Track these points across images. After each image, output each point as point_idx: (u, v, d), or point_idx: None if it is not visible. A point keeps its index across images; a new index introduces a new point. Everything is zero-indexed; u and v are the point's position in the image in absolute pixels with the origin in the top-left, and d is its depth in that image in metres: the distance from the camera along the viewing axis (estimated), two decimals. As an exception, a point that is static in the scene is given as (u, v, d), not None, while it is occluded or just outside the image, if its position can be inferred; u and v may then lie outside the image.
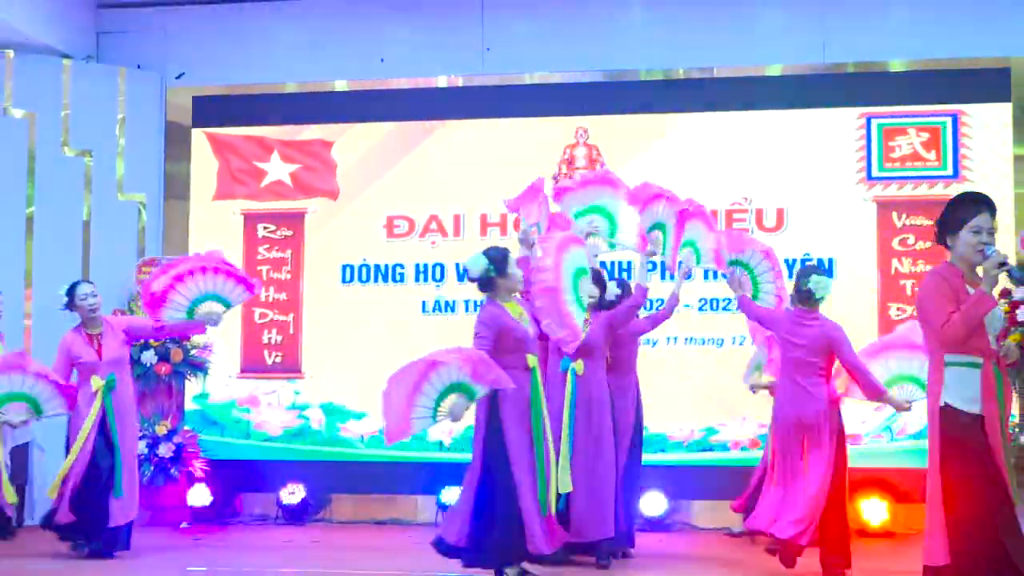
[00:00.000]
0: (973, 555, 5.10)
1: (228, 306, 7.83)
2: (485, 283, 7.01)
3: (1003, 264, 5.20)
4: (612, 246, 8.04)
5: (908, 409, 7.49)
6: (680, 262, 7.88)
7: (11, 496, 8.47)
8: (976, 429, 5.21)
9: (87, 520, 7.76)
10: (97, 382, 7.76)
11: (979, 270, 5.23)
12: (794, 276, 7.62)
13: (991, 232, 5.27)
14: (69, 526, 7.81)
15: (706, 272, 9.31)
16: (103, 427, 7.79)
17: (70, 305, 8.07)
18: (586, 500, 7.32)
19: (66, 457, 7.86)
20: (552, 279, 6.88)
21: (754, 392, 8.47)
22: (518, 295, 7.08)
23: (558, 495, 7.01)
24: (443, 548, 6.76)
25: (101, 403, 7.74)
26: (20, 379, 7.79)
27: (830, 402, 7.21)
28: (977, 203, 5.37)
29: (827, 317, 7.39)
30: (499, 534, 6.58)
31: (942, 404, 5.22)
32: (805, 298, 7.32)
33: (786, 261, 9.69)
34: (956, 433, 5.21)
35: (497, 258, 6.97)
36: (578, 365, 7.47)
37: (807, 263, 8.22)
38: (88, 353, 7.82)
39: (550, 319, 6.85)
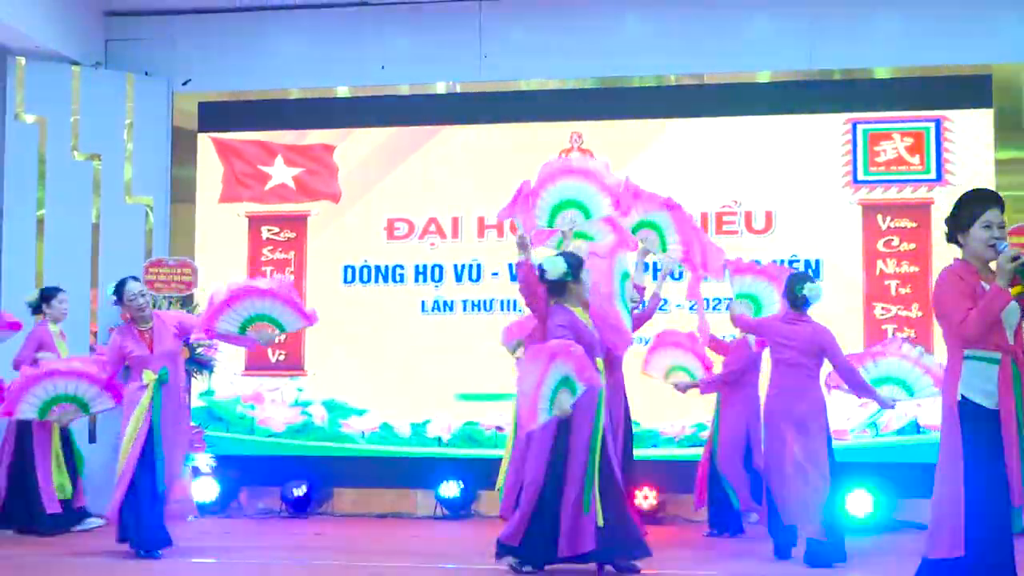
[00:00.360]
0: (985, 549, 5.09)
1: (283, 330, 7.67)
2: (558, 287, 6.97)
3: (1016, 258, 5.17)
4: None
5: (892, 407, 7.57)
6: (645, 250, 7.88)
7: (64, 492, 8.57)
8: (993, 423, 5.22)
9: (135, 516, 7.56)
10: (149, 376, 7.55)
11: (992, 265, 5.20)
12: (787, 282, 7.63)
13: (1001, 226, 5.17)
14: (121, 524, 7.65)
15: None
16: (154, 421, 7.58)
17: (119, 303, 7.94)
18: None
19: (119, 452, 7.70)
20: (606, 284, 6.89)
21: (681, 391, 8.60)
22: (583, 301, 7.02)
23: None
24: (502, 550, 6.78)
25: (151, 397, 7.55)
26: (63, 382, 7.74)
27: (819, 401, 7.31)
28: (986, 199, 5.28)
29: (815, 320, 7.45)
30: (541, 530, 6.60)
31: (959, 398, 5.15)
32: (799, 303, 7.40)
33: (775, 262, 9.73)
34: (972, 427, 5.21)
35: (574, 264, 6.95)
36: None
37: (797, 271, 8.22)
38: (139, 348, 7.61)
39: (604, 322, 6.90)
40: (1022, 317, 5.06)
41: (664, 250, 7.91)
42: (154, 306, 9.91)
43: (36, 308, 9.05)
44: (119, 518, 7.54)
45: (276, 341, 7.82)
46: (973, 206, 5.25)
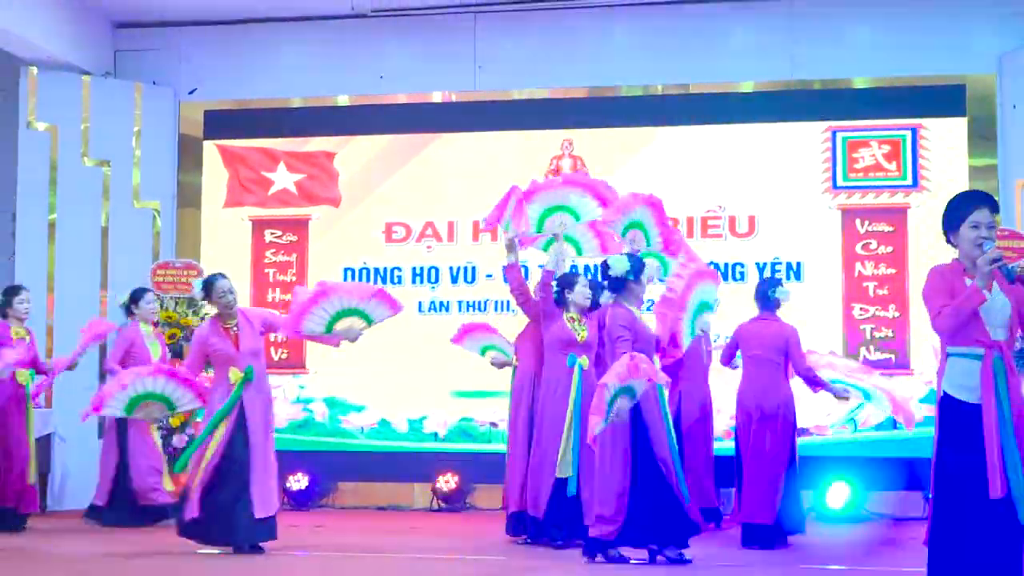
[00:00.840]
0: (952, 542, 5.10)
1: (370, 322, 7.44)
2: (619, 284, 7.00)
3: (996, 260, 5.18)
4: (579, 251, 8.05)
5: (847, 398, 7.71)
6: (635, 249, 7.83)
7: (169, 485, 8.59)
8: (974, 418, 5.21)
9: (217, 515, 7.25)
10: (236, 374, 7.26)
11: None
12: (759, 286, 7.87)
13: (991, 227, 5.10)
14: (194, 523, 7.27)
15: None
16: (240, 419, 7.31)
17: (207, 299, 7.71)
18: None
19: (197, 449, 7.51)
20: (679, 298, 6.99)
21: (497, 367, 8.45)
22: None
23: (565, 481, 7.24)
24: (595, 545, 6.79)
25: (238, 394, 7.27)
26: (151, 380, 7.61)
27: (787, 395, 7.58)
28: (976, 199, 5.22)
29: (783, 320, 7.72)
30: (654, 515, 6.64)
31: (941, 393, 5.16)
32: (772, 305, 7.69)
33: (757, 264, 9.83)
34: (950, 422, 5.22)
35: (636, 266, 7.00)
36: (583, 360, 7.54)
37: (767, 275, 8.26)
38: (225, 345, 7.33)
39: (663, 328, 7.02)
40: None
41: (649, 245, 7.91)
42: (161, 306, 10.00)
43: (128, 310, 9.03)
44: (189, 517, 7.20)
45: (361, 335, 7.51)
46: (963, 206, 5.22)
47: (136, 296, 8.94)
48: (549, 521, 7.38)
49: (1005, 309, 5.10)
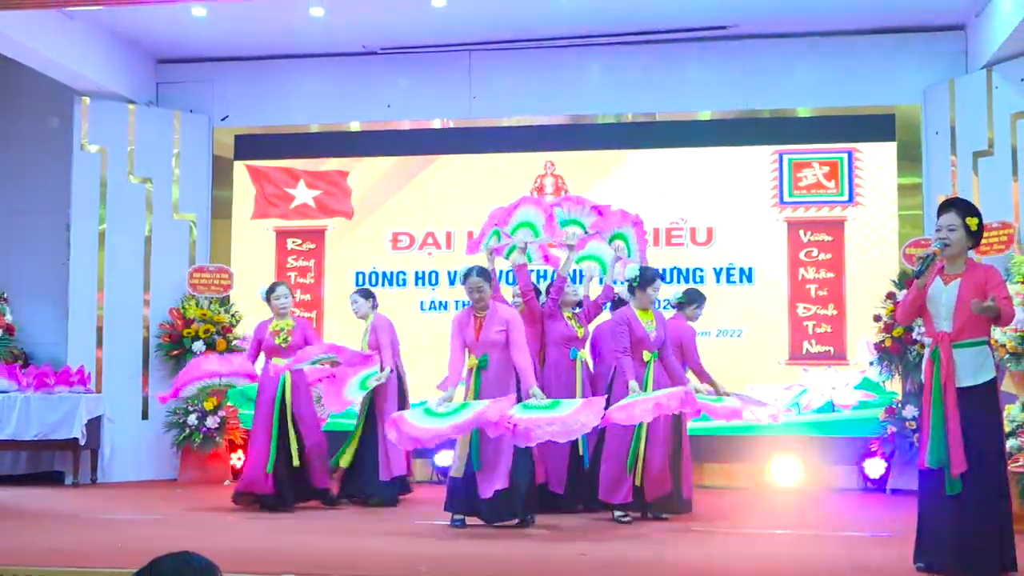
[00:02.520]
0: (921, 512, 5.23)
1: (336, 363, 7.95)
2: (629, 290, 7.39)
3: (922, 258, 5.23)
4: (529, 258, 8.11)
5: (727, 394, 7.61)
6: (617, 256, 8.00)
7: (346, 461, 8.30)
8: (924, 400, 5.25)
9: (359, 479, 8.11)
10: (472, 360, 7.12)
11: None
12: (682, 295, 7.96)
13: (951, 228, 5.11)
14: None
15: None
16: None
17: (267, 300, 8.05)
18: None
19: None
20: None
21: None
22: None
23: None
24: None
25: (475, 380, 7.14)
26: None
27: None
28: (947, 205, 5.26)
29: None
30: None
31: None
32: (683, 308, 7.89)
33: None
34: (923, 404, 5.23)
35: (644, 276, 7.29)
36: (583, 353, 7.67)
37: (695, 289, 8.25)
38: (469, 333, 7.11)
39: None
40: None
41: (630, 256, 8.01)
42: (196, 305, 10.05)
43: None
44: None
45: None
46: (940, 210, 5.25)
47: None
48: (568, 493, 7.46)
49: (950, 303, 5.12)
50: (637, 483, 7.11)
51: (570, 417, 6.39)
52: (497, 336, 7.02)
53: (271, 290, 8.18)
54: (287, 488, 7.79)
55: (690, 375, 7.66)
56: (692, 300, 7.92)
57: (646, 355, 7.24)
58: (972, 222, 5.14)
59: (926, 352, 5.25)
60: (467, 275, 7.19)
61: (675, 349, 7.52)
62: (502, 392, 6.87)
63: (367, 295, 8.63)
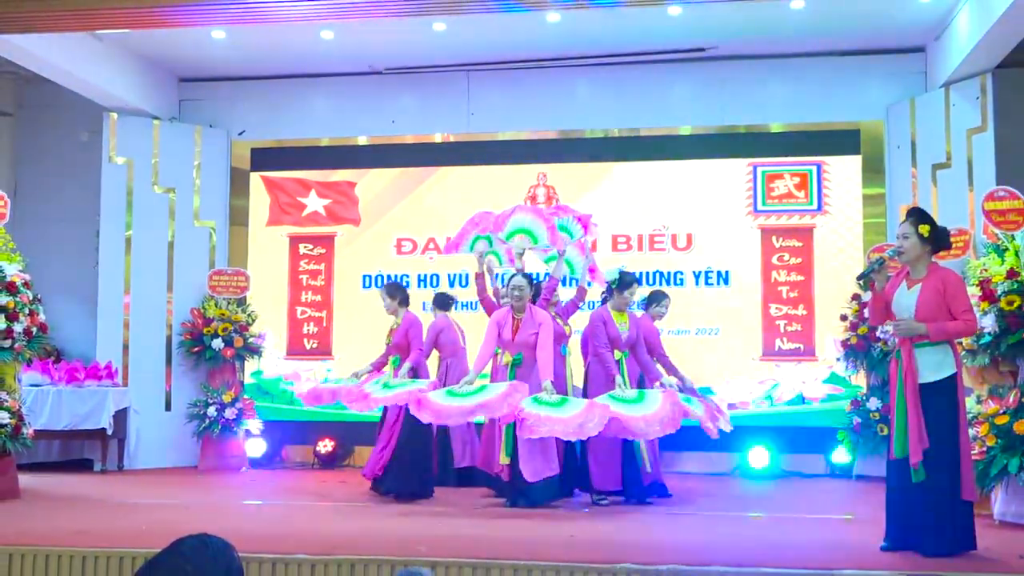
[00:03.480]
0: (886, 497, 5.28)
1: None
2: (608, 291, 7.38)
3: (871, 263, 5.28)
4: (547, 259, 8.09)
5: (694, 389, 7.67)
6: (514, 246, 7.87)
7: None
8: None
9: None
10: (507, 357, 7.27)
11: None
12: (650, 298, 8.05)
13: (904, 236, 5.17)
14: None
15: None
16: None
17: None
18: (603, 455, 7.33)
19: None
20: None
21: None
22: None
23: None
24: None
25: (509, 375, 7.20)
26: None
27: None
28: (907, 215, 5.31)
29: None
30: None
31: None
32: (646, 308, 7.98)
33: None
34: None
35: (619, 279, 7.33)
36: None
37: (661, 291, 8.25)
38: (506, 332, 7.22)
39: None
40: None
41: (537, 243, 7.88)
42: (215, 305, 10.04)
43: (444, 305, 8.89)
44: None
45: None
46: (904, 219, 5.30)
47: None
48: (593, 478, 7.36)
49: (910, 307, 5.14)
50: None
51: (571, 420, 6.47)
52: (531, 338, 7.15)
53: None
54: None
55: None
56: (656, 300, 7.97)
57: (616, 354, 7.28)
58: (923, 229, 5.18)
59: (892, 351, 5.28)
60: (512, 278, 7.32)
61: (640, 346, 7.60)
62: (535, 387, 6.95)
63: (393, 293, 8.10)
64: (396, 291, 8.16)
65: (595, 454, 7.21)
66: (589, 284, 8.04)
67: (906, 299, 5.17)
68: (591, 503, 7.21)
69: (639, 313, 7.98)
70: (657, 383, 7.29)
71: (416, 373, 7.82)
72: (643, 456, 7.20)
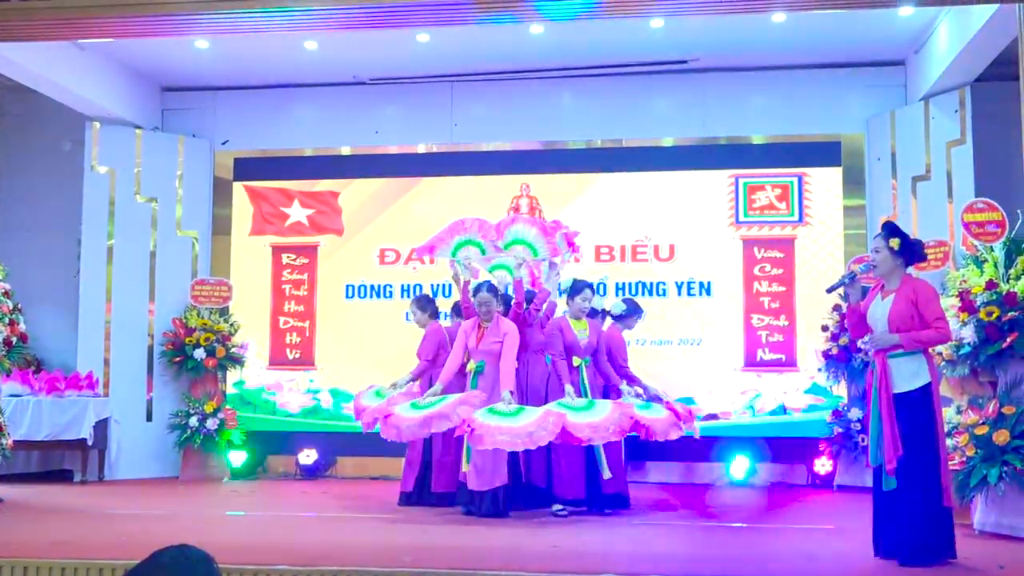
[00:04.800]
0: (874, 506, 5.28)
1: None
2: (568, 298, 7.43)
3: (842, 277, 5.33)
4: (492, 268, 8.06)
5: (657, 395, 7.66)
6: (515, 256, 7.78)
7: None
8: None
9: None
10: (471, 364, 7.34)
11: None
12: (624, 304, 7.97)
13: (876, 250, 5.28)
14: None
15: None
16: None
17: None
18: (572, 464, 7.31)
19: None
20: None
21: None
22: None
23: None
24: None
25: (472, 381, 7.25)
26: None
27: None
28: (881, 228, 5.38)
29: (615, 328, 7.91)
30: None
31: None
32: (624, 319, 7.91)
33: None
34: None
35: (572, 287, 7.39)
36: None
37: (632, 299, 8.22)
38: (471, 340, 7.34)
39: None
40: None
41: (538, 255, 7.81)
42: (197, 315, 9.99)
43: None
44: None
45: None
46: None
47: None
48: (555, 487, 7.30)
49: (883, 316, 5.20)
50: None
51: (521, 429, 6.51)
52: (494, 346, 7.18)
53: None
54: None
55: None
56: (631, 312, 7.96)
57: (576, 360, 7.30)
58: (894, 242, 5.26)
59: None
60: (477, 291, 7.35)
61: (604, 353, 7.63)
62: (496, 396, 6.99)
63: (423, 306, 8.08)
64: (426, 305, 8.23)
65: (559, 462, 7.19)
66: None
67: (879, 310, 5.26)
68: (550, 513, 7.15)
69: (608, 322, 7.99)
70: (629, 393, 7.32)
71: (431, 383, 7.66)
72: (603, 465, 7.15)
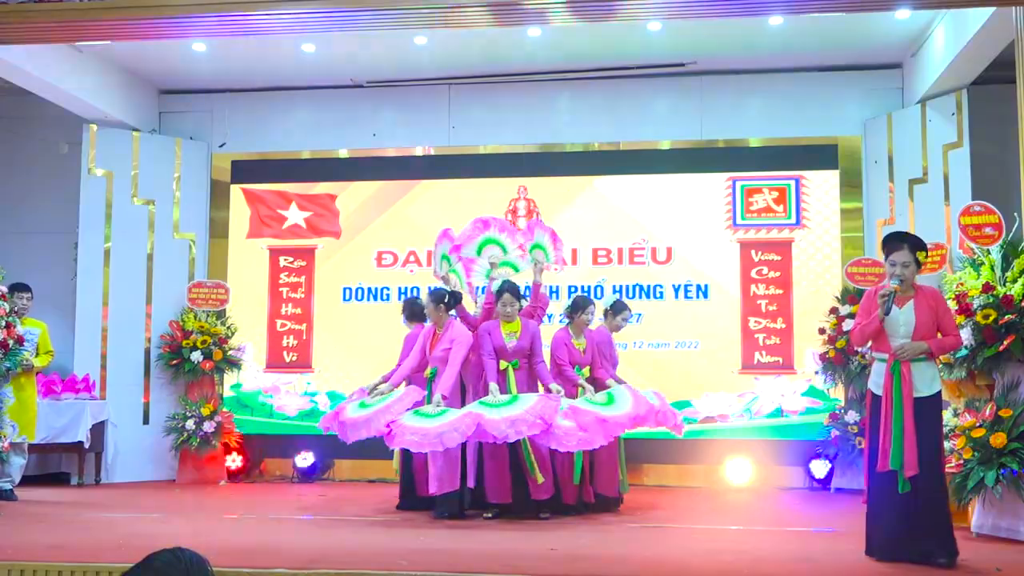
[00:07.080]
0: (878, 499, 5.28)
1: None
2: (570, 315, 7.55)
3: (884, 296, 5.32)
4: (516, 269, 7.96)
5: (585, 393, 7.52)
6: (536, 260, 7.84)
7: (540, 476, 7.02)
8: (876, 407, 5.33)
9: None
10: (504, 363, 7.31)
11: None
12: (612, 308, 7.95)
13: (905, 265, 5.28)
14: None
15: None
16: None
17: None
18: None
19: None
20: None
21: None
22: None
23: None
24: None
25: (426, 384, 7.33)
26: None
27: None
28: (896, 240, 5.38)
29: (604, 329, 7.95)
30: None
31: (869, 387, 5.41)
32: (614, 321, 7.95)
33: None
34: (872, 411, 5.33)
35: (573, 304, 7.53)
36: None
37: (621, 301, 8.20)
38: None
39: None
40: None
41: (549, 260, 7.93)
42: (194, 318, 9.97)
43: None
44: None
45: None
46: (888, 246, 5.39)
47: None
48: (486, 491, 7.23)
49: (909, 324, 5.24)
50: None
51: (432, 431, 6.59)
52: (442, 354, 7.23)
53: None
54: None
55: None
56: (618, 310, 7.95)
57: (502, 363, 7.26)
58: (921, 255, 5.36)
59: (883, 366, 5.30)
60: (500, 292, 7.35)
61: (598, 355, 7.64)
62: (452, 401, 7.10)
63: (437, 301, 7.43)
64: (441, 298, 7.81)
65: (488, 466, 7.17)
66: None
67: (901, 317, 5.28)
68: (481, 517, 7.13)
69: (597, 323, 7.99)
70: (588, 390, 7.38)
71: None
72: (535, 469, 7.01)
